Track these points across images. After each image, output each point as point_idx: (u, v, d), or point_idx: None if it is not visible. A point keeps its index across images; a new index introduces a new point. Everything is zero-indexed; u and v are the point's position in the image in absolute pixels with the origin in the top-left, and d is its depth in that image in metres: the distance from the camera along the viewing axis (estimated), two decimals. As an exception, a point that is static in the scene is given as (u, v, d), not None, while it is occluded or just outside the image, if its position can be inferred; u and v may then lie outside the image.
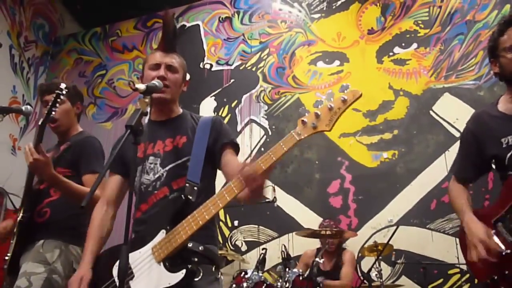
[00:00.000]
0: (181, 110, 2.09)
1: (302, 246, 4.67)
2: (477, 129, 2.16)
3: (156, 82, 1.81)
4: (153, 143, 1.97)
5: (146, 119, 2.01)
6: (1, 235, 2.59)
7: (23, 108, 2.72)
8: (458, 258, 4.26)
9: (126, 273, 1.60)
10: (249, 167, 1.53)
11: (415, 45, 5.29)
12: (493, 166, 2.15)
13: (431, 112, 4.96)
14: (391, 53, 5.35)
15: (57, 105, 2.30)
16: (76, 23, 7.43)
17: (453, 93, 4.94)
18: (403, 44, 5.35)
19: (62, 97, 2.31)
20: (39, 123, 2.35)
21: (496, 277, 1.86)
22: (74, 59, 7.06)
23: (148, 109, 1.64)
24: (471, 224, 1.96)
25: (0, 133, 5.80)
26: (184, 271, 1.63)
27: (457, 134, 4.69)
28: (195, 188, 1.79)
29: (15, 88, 6.35)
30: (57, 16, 7.30)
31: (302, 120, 1.58)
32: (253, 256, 4.91)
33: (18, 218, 2.41)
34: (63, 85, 2.27)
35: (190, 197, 1.76)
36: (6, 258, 2.40)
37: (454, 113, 4.81)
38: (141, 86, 1.66)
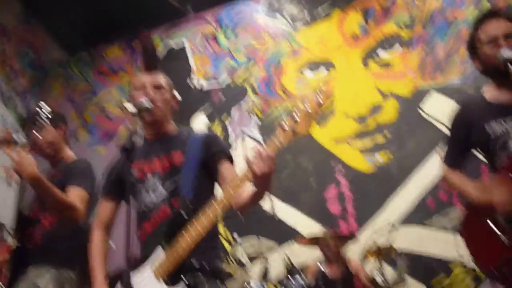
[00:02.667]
0: (176, 128, 2.10)
1: (304, 254, 4.66)
2: (464, 118, 2.18)
3: (143, 100, 1.83)
4: (150, 162, 1.97)
5: (139, 139, 2.02)
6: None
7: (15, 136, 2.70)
8: (459, 253, 4.27)
9: None
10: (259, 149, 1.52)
11: (399, 47, 5.36)
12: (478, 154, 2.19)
13: (420, 111, 5.01)
14: (376, 57, 5.42)
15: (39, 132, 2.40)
16: (62, 49, 7.43)
17: (440, 92, 5.00)
18: (387, 47, 5.42)
19: (43, 122, 2.43)
20: None
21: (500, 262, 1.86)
22: (61, 84, 7.05)
23: (139, 129, 1.65)
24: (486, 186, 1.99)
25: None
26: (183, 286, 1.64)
27: (447, 132, 4.73)
28: (187, 203, 1.80)
29: (3, 118, 6.31)
30: (42, 43, 7.29)
31: (282, 127, 1.57)
32: (254, 267, 4.87)
33: (11, 247, 2.39)
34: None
35: (182, 212, 1.76)
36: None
37: (443, 111, 4.85)
38: (130, 107, 1.69)
